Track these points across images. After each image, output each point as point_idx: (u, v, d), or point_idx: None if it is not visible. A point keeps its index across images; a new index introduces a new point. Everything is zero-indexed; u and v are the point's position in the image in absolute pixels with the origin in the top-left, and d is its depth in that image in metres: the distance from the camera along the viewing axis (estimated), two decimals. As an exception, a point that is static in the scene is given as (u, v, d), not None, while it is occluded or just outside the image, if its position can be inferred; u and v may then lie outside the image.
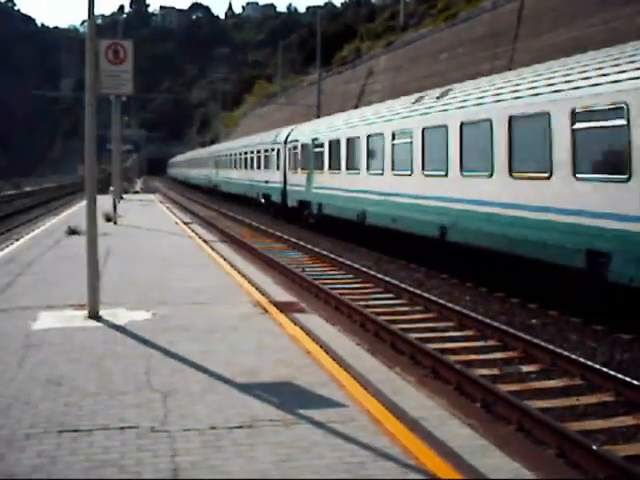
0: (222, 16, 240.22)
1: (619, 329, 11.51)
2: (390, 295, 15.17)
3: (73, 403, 6.28)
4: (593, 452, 6.68)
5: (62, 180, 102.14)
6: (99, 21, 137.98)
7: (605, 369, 9.15)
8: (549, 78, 13.22)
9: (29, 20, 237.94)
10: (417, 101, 19.04)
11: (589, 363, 9.43)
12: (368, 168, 21.78)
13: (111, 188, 37.49)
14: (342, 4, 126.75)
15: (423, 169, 17.87)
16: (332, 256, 20.20)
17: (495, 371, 9.74)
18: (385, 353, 10.16)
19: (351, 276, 17.65)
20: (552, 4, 31.90)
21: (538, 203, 13.11)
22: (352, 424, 5.83)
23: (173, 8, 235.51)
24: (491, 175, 14.67)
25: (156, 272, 14.25)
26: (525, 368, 9.93)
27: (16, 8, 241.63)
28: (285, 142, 32.95)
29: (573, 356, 9.77)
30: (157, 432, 5.62)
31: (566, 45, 27.46)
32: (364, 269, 17.74)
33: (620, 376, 8.78)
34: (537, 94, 13.31)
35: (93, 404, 6.26)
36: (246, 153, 43.61)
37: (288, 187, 31.97)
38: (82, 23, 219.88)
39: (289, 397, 6.50)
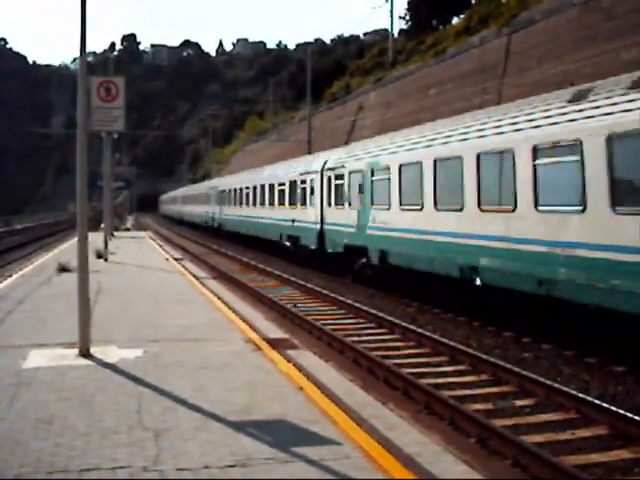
0: (213, 53, 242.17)
1: (612, 361, 11.50)
2: (383, 330, 15.13)
3: (64, 443, 6.20)
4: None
5: (53, 217, 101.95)
6: (90, 58, 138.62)
7: (600, 402, 9.12)
8: None
9: (20, 58, 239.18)
10: None
11: (583, 396, 9.40)
12: None
13: (102, 225, 37.42)
14: (331, 41, 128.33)
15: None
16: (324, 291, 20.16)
17: (489, 406, 9.69)
18: (378, 389, 10.12)
19: (344, 312, 17.59)
20: (538, 40, 32.30)
21: None
22: (346, 461, 5.77)
23: (164, 46, 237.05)
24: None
25: (147, 309, 14.17)
26: (519, 402, 9.88)
27: (8, 46, 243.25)
28: None
29: (567, 389, 9.75)
30: (149, 472, 5.55)
31: (553, 80, 27.77)
32: (356, 304, 17.70)
33: (615, 409, 8.75)
34: None
35: (84, 444, 6.18)
36: None
37: None
38: (73, 60, 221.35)
39: (282, 435, 6.44)
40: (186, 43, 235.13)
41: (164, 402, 7.50)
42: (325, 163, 25.76)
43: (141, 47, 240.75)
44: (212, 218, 53.16)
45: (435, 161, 16.64)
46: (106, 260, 24.35)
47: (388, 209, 19.40)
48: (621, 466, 7.53)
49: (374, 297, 19.88)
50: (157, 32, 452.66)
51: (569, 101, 12.66)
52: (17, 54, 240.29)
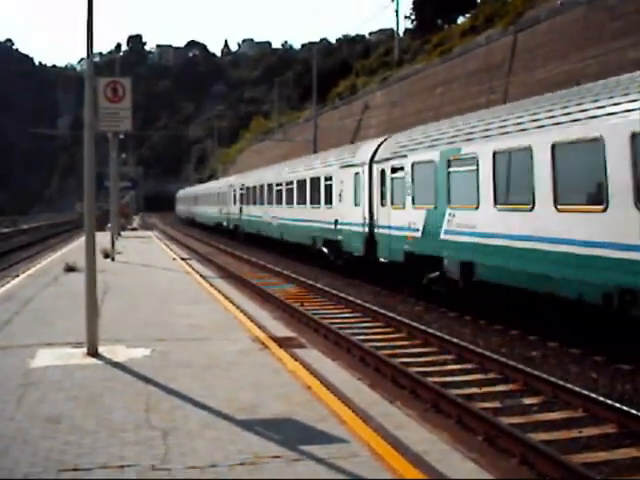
0: (218, 53, 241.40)
1: (619, 360, 11.48)
2: (390, 329, 15.12)
3: (72, 441, 6.22)
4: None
5: (59, 217, 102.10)
6: (97, 59, 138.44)
7: (607, 400, 9.10)
8: None
9: (27, 59, 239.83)
10: None
11: (591, 395, 9.38)
12: None
13: (109, 225, 37.46)
14: (337, 40, 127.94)
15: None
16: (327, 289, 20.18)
17: (496, 404, 9.68)
18: (386, 387, 10.12)
19: (350, 310, 17.60)
20: (544, 39, 32.24)
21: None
22: (354, 460, 5.78)
23: (170, 46, 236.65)
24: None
25: (155, 308, 14.21)
26: (526, 400, 9.88)
27: (14, 47, 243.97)
28: None
29: (575, 388, 9.73)
30: (158, 470, 5.57)
31: (559, 78, 27.71)
32: (362, 302, 17.70)
33: (622, 407, 8.74)
34: None
35: (93, 442, 6.21)
36: None
37: None
38: (79, 61, 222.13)
39: (290, 433, 6.45)
40: (192, 43, 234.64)
41: (172, 401, 7.52)
42: (233, 182, 49.78)
43: (147, 47, 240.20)
44: (192, 214, 75.73)
45: (263, 185, 38.03)
46: (113, 260, 24.41)
47: (248, 206, 42.34)
48: (629, 464, 7.51)
49: (380, 295, 19.88)
50: (163, 32, 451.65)
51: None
52: (24, 55, 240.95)
